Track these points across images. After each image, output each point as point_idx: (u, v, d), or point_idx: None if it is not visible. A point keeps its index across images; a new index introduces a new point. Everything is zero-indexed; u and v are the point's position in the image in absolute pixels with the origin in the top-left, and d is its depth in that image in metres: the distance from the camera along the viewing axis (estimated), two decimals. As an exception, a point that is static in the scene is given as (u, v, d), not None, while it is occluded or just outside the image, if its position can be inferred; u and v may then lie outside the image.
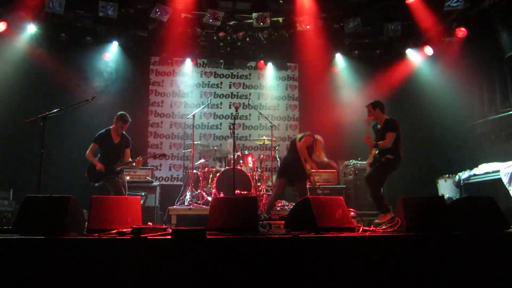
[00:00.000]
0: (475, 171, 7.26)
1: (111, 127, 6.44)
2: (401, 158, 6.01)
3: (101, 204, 3.98)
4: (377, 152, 6.06)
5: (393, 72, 9.45)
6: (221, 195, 7.42)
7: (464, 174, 7.46)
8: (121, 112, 6.42)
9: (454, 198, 7.20)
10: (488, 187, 6.93)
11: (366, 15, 8.50)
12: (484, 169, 7.07)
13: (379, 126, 6.23)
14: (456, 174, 7.65)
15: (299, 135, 6.88)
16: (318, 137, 6.84)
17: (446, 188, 7.75)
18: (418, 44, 8.95)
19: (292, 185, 6.92)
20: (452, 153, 8.43)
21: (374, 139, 6.17)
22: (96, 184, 6.21)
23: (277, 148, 8.54)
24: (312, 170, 6.70)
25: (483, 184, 7.05)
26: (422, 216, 4.00)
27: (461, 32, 8.11)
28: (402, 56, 9.29)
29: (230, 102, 10.33)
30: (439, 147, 8.58)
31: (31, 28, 8.06)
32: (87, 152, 6.31)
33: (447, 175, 7.83)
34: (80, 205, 4.00)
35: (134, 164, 6.39)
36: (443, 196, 7.09)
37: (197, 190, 7.86)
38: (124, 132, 6.48)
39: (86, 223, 3.92)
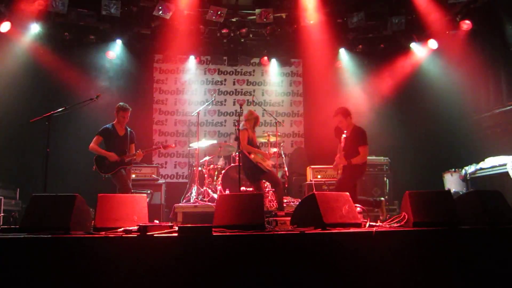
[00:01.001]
0: (482, 165, 7.21)
1: (114, 122, 6.50)
2: (366, 164, 6.17)
3: (107, 202, 3.99)
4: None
5: (398, 66, 9.40)
6: (227, 192, 7.43)
7: (470, 168, 7.41)
8: (118, 104, 6.48)
9: (461, 193, 7.15)
10: (495, 181, 6.88)
11: (369, 9, 8.47)
12: (490, 163, 7.02)
13: (345, 132, 6.10)
14: (462, 168, 7.60)
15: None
16: (246, 118, 6.67)
17: (452, 182, 7.70)
18: (423, 37, 8.89)
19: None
20: (458, 147, 8.38)
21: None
22: (107, 175, 6.22)
23: (282, 144, 8.52)
24: (261, 157, 6.53)
25: (489, 178, 7.00)
26: (429, 211, 3.97)
27: (466, 25, 8.06)
28: (406, 50, 9.23)
29: (234, 99, 10.33)
30: (445, 141, 8.54)
31: (35, 28, 8.07)
32: (91, 144, 6.27)
33: (453, 169, 7.78)
34: (86, 203, 4.01)
35: (135, 157, 6.40)
36: (449, 190, 7.05)
37: (202, 188, 7.86)
38: (128, 127, 6.55)
39: (93, 221, 3.93)
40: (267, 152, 7.15)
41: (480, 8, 7.75)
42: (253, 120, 6.71)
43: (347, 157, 5.96)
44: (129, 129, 6.60)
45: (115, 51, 9.04)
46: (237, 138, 6.74)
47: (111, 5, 7.77)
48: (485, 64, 8.15)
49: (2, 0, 7.63)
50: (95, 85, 8.80)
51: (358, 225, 4.09)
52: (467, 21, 8.01)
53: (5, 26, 7.69)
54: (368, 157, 8.43)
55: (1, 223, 6.47)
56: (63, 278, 3.10)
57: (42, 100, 8.12)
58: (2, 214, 6.31)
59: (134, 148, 6.56)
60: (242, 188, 7.11)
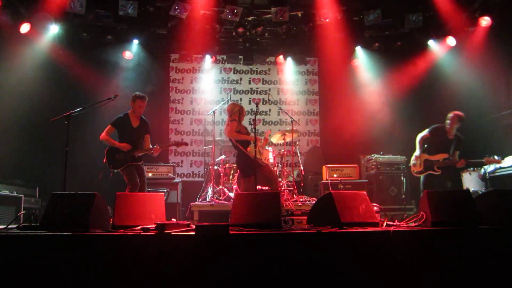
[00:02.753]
0: (501, 163, 7.08)
1: (128, 111, 6.28)
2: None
3: (125, 200, 4.03)
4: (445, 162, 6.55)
5: (415, 64, 9.29)
6: (243, 190, 7.43)
7: (489, 167, 7.29)
8: (135, 93, 6.29)
9: (480, 192, 7.04)
10: (515, 180, 6.77)
11: (386, 7, 8.39)
12: (510, 162, 6.90)
13: (449, 136, 6.79)
14: (481, 167, 7.49)
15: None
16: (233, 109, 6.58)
17: (471, 181, 7.59)
18: (440, 34, 8.77)
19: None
20: (477, 145, 8.24)
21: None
22: (116, 171, 6.03)
23: (297, 143, 8.50)
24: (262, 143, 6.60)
25: (509, 177, 6.88)
26: (448, 210, 3.92)
27: (485, 21, 7.92)
28: (424, 47, 9.11)
29: (250, 98, 10.33)
30: (464, 140, 8.40)
31: (54, 29, 8.21)
32: (102, 134, 6.07)
33: (472, 168, 7.66)
34: (105, 202, 4.06)
35: (152, 152, 6.16)
36: (468, 189, 6.94)
37: (218, 186, 7.89)
38: (143, 117, 6.32)
39: (111, 219, 3.97)
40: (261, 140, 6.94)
41: (499, 3, 7.61)
42: (238, 113, 6.53)
43: None
44: (143, 117, 6.32)
45: (132, 51, 9.14)
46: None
47: (128, 6, 7.86)
48: (505, 60, 8.01)
49: (22, 2, 7.77)
50: (113, 84, 8.89)
51: (376, 225, 4.05)
52: (487, 17, 7.87)
53: (25, 27, 7.83)
54: (385, 156, 8.50)
55: (22, 221, 6.60)
56: (82, 275, 3.15)
57: (61, 100, 8.24)
58: (22, 212, 6.42)
59: (150, 139, 6.34)
60: (258, 187, 7.12)
